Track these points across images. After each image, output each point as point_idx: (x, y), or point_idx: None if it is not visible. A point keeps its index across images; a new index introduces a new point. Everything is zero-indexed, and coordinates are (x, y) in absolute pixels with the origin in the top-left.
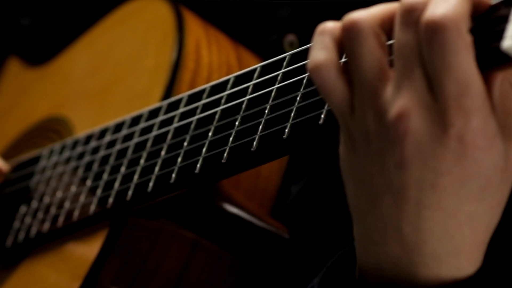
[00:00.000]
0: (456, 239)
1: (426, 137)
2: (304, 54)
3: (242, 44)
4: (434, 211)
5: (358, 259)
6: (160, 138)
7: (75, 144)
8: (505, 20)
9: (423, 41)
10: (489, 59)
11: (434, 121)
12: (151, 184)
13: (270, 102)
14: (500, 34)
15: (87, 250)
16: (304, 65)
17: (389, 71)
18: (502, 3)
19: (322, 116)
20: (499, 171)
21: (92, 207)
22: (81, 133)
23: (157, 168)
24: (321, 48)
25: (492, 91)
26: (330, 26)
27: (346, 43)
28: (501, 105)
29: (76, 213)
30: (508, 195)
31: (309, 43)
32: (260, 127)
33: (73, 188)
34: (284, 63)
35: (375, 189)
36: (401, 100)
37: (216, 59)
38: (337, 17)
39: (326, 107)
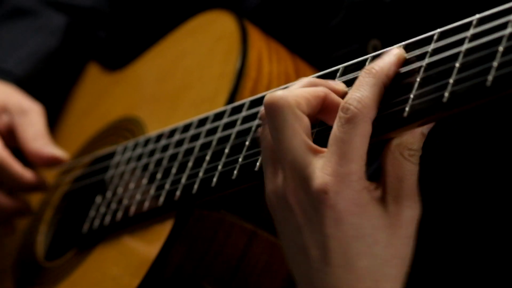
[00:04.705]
0: None
1: (309, 207)
2: (357, 67)
3: (306, 54)
4: (334, 268)
5: None
6: (224, 139)
7: (147, 142)
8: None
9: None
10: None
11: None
12: (215, 180)
13: None
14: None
15: (155, 238)
16: (357, 76)
17: None
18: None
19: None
20: (383, 230)
21: (161, 199)
22: (152, 132)
23: (220, 165)
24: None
25: (385, 161)
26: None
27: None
28: (392, 171)
29: (146, 204)
30: (407, 247)
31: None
32: (315, 129)
33: (144, 182)
34: (338, 74)
35: (292, 250)
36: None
37: (276, 69)
38: (418, 19)
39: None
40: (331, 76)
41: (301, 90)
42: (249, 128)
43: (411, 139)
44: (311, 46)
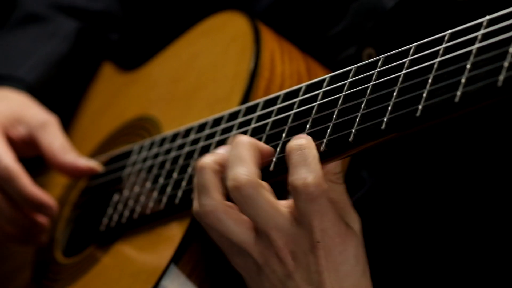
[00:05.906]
0: None
1: (303, 254)
2: (369, 67)
3: (313, 57)
4: None
5: None
6: None
7: (162, 141)
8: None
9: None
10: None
11: (305, 242)
12: None
13: (338, 107)
14: None
15: (173, 236)
16: (368, 76)
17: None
18: None
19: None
20: (361, 247)
21: (178, 197)
22: (168, 131)
23: None
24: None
25: None
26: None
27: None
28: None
29: (163, 202)
30: (366, 255)
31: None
32: (328, 130)
33: (161, 180)
34: (350, 74)
35: None
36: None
37: (288, 69)
38: (412, 30)
39: (387, 115)
40: (345, 75)
41: (250, 162)
42: (264, 126)
43: (334, 164)
44: (317, 48)
